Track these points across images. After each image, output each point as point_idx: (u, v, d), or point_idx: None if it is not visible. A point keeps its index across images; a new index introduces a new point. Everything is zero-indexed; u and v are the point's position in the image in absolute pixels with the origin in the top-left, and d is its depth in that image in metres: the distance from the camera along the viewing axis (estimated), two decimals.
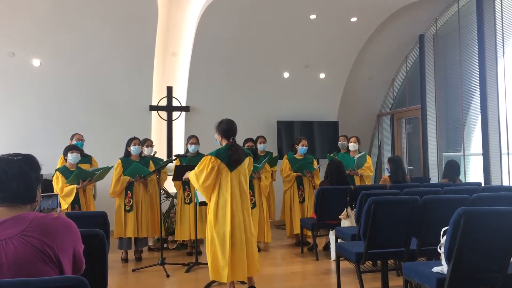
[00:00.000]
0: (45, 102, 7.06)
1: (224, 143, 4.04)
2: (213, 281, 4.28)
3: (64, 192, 5.02)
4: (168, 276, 4.82)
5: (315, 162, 6.45)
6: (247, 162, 4.09)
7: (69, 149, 5.22)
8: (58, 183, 5.04)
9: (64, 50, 6.86)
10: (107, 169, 5.28)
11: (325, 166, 5.88)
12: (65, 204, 5.00)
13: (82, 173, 5.09)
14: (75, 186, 5.03)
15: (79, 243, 1.73)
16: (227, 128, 4.02)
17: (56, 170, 5.16)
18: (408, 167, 8.54)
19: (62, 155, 5.88)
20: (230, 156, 3.93)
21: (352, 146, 6.40)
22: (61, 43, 6.77)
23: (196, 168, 4.02)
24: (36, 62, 6.83)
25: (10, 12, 6.29)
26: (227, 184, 3.93)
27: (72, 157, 5.16)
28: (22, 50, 6.69)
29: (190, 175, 4.09)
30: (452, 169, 5.63)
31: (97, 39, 6.86)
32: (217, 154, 3.95)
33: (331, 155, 6.59)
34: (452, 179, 5.53)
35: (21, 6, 6.23)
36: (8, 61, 6.69)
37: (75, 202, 5.09)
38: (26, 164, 1.70)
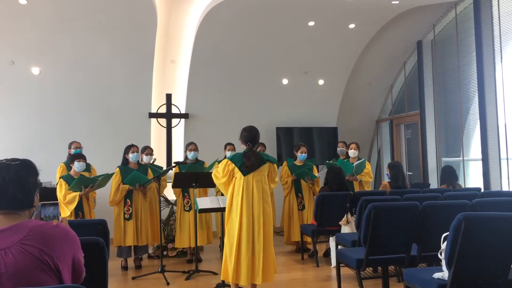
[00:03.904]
0: (44, 110, 7.06)
1: (244, 148, 4.17)
2: (221, 284, 4.37)
3: (66, 199, 5.03)
4: (168, 283, 4.80)
5: (315, 169, 6.44)
6: (266, 169, 4.13)
7: (76, 157, 5.25)
8: (62, 190, 5.06)
9: (64, 58, 6.88)
10: (108, 176, 5.29)
11: (325, 173, 5.88)
12: (67, 211, 5.01)
13: (84, 180, 5.11)
14: (77, 193, 5.05)
15: (79, 251, 1.72)
16: (246, 134, 4.17)
17: (60, 178, 5.19)
18: (407, 173, 8.53)
19: (63, 164, 5.89)
20: (244, 161, 4.02)
21: (352, 153, 6.39)
22: (60, 51, 6.79)
23: (219, 167, 4.24)
24: (35, 70, 6.84)
25: (10, 20, 6.31)
26: (239, 188, 4.01)
27: (79, 165, 5.19)
28: (22, 58, 6.71)
29: (213, 174, 4.29)
30: (450, 174, 5.60)
31: (96, 47, 6.89)
32: (232, 158, 4.12)
33: (331, 161, 6.59)
34: (451, 184, 5.52)
35: (21, 14, 6.26)
36: (8, 69, 6.71)
37: (79, 209, 5.10)
38: (24, 169, 1.69)
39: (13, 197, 1.64)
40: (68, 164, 5.68)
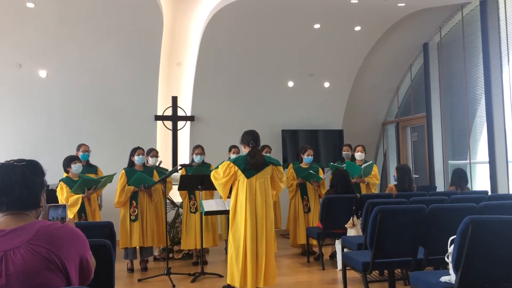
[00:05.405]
0: (51, 112, 7.11)
1: (247, 151, 4.14)
2: (227, 287, 4.36)
3: (69, 202, 5.01)
4: (173, 286, 4.80)
5: (320, 171, 6.43)
6: (269, 171, 4.12)
7: (71, 160, 5.21)
8: (63, 193, 5.03)
9: (70, 61, 6.92)
10: (110, 177, 5.29)
11: (329, 175, 5.86)
12: (70, 214, 4.99)
13: (87, 182, 5.10)
14: (80, 195, 5.04)
15: (87, 251, 1.72)
16: (247, 136, 4.17)
17: (60, 181, 5.15)
18: (414, 176, 8.49)
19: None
20: (248, 161, 4.00)
21: (359, 155, 6.38)
22: (67, 54, 6.84)
23: (219, 169, 4.21)
24: (42, 73, 6.89)
25: (17, 23, 6.36)
26: (243, 190, 4.02)
27: (76, 167, 5.17)
28: (29, 61, 6.77)
29: (212, 174, 4.26)
30: (460, 177, 5.61)
31: (103, 50, 6.93)
32: (235, 160, 4.12)
33: (336, 164, 6.57)
34: (460, 187, 5.51)
35: (28, 17, 6.31)
36: (15, 72, 6.76)
37: (82, 211, 5.08)
38: (30, 170, 1.70)
39: (19, 198, 1.65)
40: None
